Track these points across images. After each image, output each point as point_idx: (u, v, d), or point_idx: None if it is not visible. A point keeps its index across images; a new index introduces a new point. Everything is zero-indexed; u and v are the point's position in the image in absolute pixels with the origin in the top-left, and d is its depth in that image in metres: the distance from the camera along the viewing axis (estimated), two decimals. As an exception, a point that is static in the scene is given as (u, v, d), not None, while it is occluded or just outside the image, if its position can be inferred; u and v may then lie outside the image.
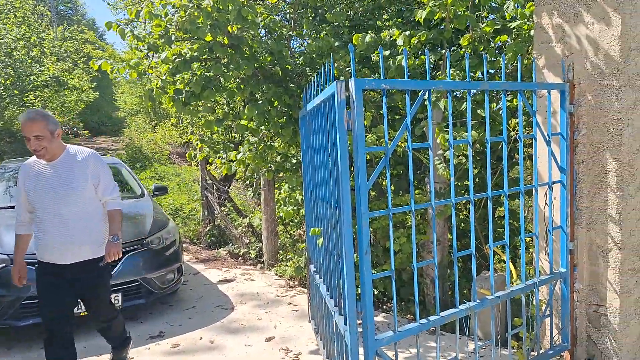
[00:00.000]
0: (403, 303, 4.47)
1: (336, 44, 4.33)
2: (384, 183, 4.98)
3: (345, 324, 2.24)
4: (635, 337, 2.83)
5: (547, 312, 2.94)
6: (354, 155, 2.11)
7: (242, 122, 4.54)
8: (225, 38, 4.01)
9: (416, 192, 4.64)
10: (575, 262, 2.92)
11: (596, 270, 2.86)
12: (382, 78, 2.18)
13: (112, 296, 3.90)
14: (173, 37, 3.88)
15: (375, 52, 4.16)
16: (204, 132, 6.26)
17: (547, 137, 2.81)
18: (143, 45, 4.08)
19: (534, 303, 2.88)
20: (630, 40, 2.64)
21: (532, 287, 2.79)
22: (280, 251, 5.97)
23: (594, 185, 2.83)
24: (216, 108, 5.11)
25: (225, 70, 4.09)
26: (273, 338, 3.77)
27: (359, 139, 2.08)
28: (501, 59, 2.66)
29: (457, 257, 2.48)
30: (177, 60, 3.90)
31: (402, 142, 3.77)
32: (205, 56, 4.07)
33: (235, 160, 4.54)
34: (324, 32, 4.64)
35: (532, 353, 2.91)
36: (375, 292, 4.75)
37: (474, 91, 4.21)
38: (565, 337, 2.96)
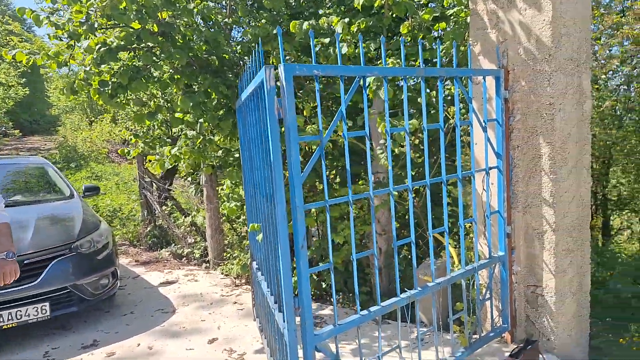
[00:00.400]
0: (350, 295, 4.43)
1: (274, 31, 4.18)
2: (330, 174, 4.91)
3: (284, 320, 2.14)
4: (571, 315, 2.92)
5: (487, 296, 2.98)
6: (286, 145, 2.00)
7: (178, 115, 4.31)
8: (154, 25, 3.76)
9: (360, 182, 4.60)
10: (512, 245, 2.97)
11: (532, 252, 2.93)
12: (314, 64, 2.08)
13: (39, 305, 3.59)
14: (96, 25, 3.59)
15: (316, 40, 4.05)
16: (139, 127, 5.91)
17: (484, 123, 2.83)
18: (63, 34, 3.75)
19: (475, 287, 2.91)
20: (560, 25, 2.68)
21: (472, 272, 2.81)
22: (227, 249, 5.77)
23: (528, 170, 2.88)
24: (151, 101, 4.83)
25: (156, 60, 3.85)
26: (216, 339, 3.61)
27: (290, 128, 1.97)
28: (437, 46, 2.63)
29: (397, 246, 2.45)
30: (101, 49, 3.61)
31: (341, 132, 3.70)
32: (135, 45, 3.81)
33: (169, 156, 4.30)
34: (263, 20, 4.47)
35: (474, 336, 2.94)
36: (324, 286, 4.69)
37: (415, 80, 4.21)
38: (505, 319, 3.01)
